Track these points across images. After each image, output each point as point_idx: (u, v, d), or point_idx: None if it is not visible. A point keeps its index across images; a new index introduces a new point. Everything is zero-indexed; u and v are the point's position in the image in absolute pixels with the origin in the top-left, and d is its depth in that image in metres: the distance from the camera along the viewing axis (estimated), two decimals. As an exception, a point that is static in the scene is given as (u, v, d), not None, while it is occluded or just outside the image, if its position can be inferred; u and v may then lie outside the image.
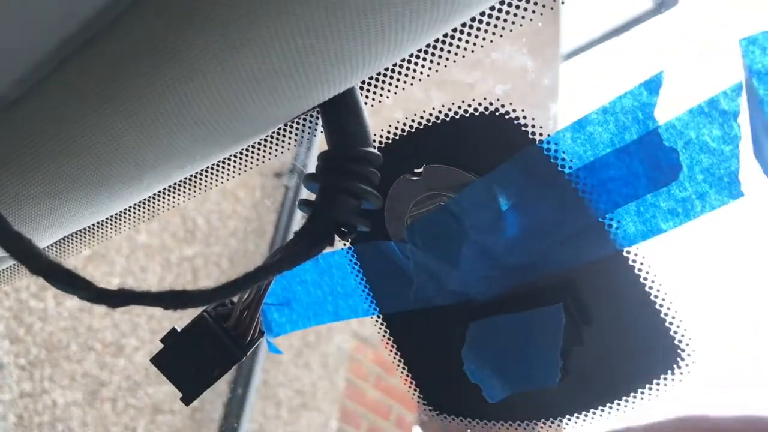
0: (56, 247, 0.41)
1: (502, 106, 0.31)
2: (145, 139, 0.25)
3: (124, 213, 0.41)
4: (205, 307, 0.30)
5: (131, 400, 1.68)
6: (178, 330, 0.29)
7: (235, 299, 0.30)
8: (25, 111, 0.25)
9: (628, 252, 0.31)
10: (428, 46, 0.30)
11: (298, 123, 0.33)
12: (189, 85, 0.23)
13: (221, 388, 1.69)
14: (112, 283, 1.64)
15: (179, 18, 0.21)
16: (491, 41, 0.29)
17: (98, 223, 0.41)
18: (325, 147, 0.30)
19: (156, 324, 1.63)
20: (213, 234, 1.90)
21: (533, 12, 0.28)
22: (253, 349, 0.31)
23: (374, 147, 0.30)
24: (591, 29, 2.52)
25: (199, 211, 1.88)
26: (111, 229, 0.43)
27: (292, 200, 1.99)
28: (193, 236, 1.86)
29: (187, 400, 0.32)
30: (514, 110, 0.31)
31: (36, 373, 1.55)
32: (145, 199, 0.39)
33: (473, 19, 0.28)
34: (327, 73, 0.24)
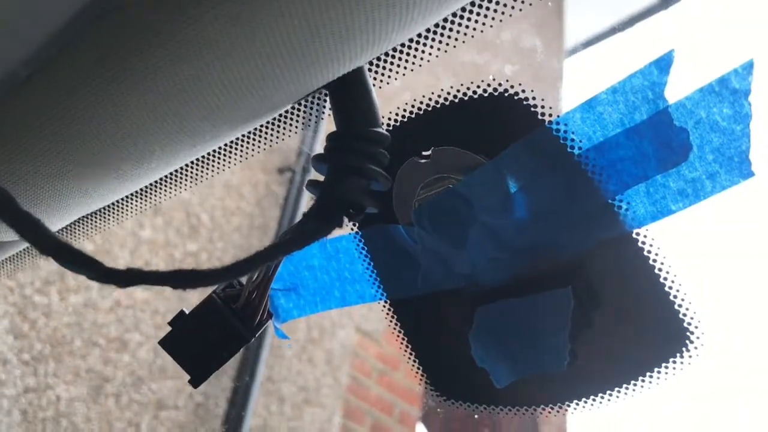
0: (65, 233, 0.41)
1: (512, 87, 0.31)
2: (153, 118, 0.25)
3: (132, 197, 0.41)
4: (214, 288, 0.30)
5: (135, 396, 1.68)
6: (187, 312, 0.29)
7: (244, 281, 0.30)
8: (36, 89, 0.25)
9: (638, 234, 0.31)
10: (436, 26, 0.29)
11: (303, 106, 0.33)
12: (198, 62, 0.23)
13: (225, 383, 1.69)
14: (116, 278, 1.63)
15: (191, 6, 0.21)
16: (500, 21, 0.29)
17: (105, 208, 0.41)
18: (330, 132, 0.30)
19: (160, 319, 1.63)
20: (217, 230, 1.90)
21: (542, -8, 0.28)
22: (261, 330, 0.31)
23: (383, 128, 0.30)
24: (595, 25, 2.52)
25: (203, 207, 1.88)
26: (120, 214, 0.43)
27: (295, 196, 1.99)
28: (197, 232, 1.86)
29: (195, 382, 0.32)
30: (523, 91, 0.31)
31: (40, 368, 1.55)
32: (151, 184, 0.39)
33: None
34: (336, 50, 0.24)
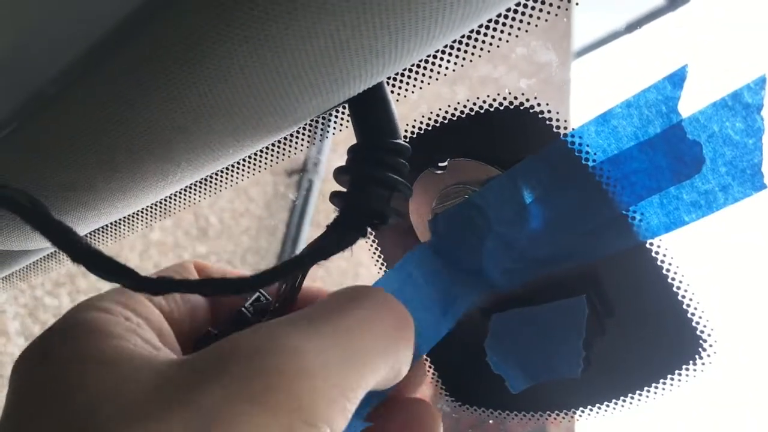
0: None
1: (527, 100, 0.32)
2: (180, 134, 0.25)
3: (148, 208, 0.42)
4: (243, 304, 0.30)
5: (145, 397, 1.69)
6: (214, 332, 0.29)
7: (270, 297, 0.31)
8: (67, 105, 0.25)
9: (651, 244, 0.32)
10: (454, 41, 0.30)
11: (322, 118, 0.34)
12: (225, 82, 0.23)
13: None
14: (126, 280, 1.64)
15: (216, 16, 0.22)
16: (516, 36, 0.30)
17: (124, 218, 0.42)
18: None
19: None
20: (225, 232, 1.91)
21: (558, 8, 0.29)
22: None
23: (403, 140, 0.31)
24: (603, 26, 2.52)
25: (211, 209, 1.89)
26: (137, 223, 0.43)
27: (303, 198, 2.00)
28: (206, 234, 1.87)
29: None
30: (538, 104, 0.31)
31: (51, 369, 1.56)
32: (168, 196, 0.40)
33: (498, 15, 0.29)
34: (360, 69, 0.25)
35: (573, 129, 0.31)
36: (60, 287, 1.61)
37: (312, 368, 0.21)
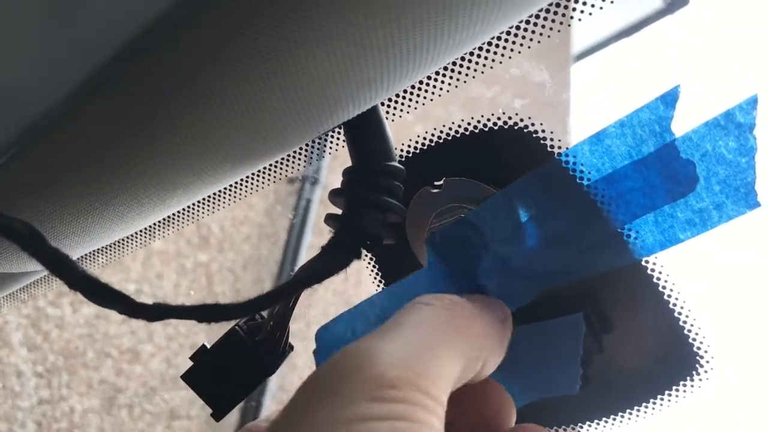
0: (82, 261, 0.42)
1: (521, 120, 0.32)
2: (177, 161, 0.26)
3: (150, 228, 0.42)
4: (236, 321, 0.30)
5: (148, 406, 1.69)
6: (208, 346, 0.29)
7: (265, 313, 0.31)
8: (66, 134, 0.26)
9: (647, 261, 0.32)
10: (448, 63, 0.30)
11: (318, 140, 0.34)
12: (219, 111, 0.23)
13: (237, 393, 1.70)
14: (129, 289, 1.65)
15: (215, 57, 0.22)
16: (509, 57, 0.30)
17: (125, 238, 0.42)
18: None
19: (172, 329, 1.65)
20: (227, 240, 1.91)
21: (551, 29, 0.29)
22: (282, 363, 0.32)
23: (397, 161, 0.31)
24: (601, 30, 2.52)
25: (212, 218, 1.89)
26: (132, 245, 0.44)
27: (304, 206, 2.00)
28: (207, 242, 1.87)
29: (217, 415, 0.32)
30: (532, 124, 0.31)
31: (54, 380, 1.56)
32: (169, 216, 0.40)
33: (493, 38, 0.29)
34: (356, 94, 0.25)
35: (567, 148, 0.31)
36: (62, 297, 1.61)
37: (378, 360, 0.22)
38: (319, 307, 1.96)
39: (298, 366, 1.87)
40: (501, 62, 0.30)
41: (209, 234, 1.89)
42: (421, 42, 0.23)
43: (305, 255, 1.95)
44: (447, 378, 0.24)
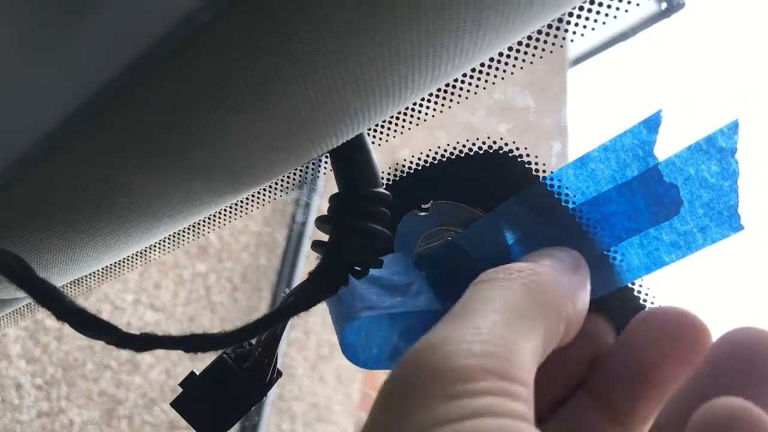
0: (70, 286, 0.43)
1: (506, 144, 0.32)
2: (162, 194, 0.26)
3: (135, 255, 0.42)
4: (223, 350, 0.31)
5: (147, 417, 1.69)
6: (197, 373, 0.30)
7: (253, 340, 0.31)
8: (51, 168, 0.26)
9: (633, 283, 0.32)
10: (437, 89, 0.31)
11: (305, 167, 0.34)
12: (202, 149, 0.24)
13: (236, 403, 1.70)
14: (127, 300, 1.65)
15: (209, 94, 0.22)
16: (493, 83, 0.30)
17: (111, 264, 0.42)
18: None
19: (171, 341, 1.65)
20: (225, 250, 1.91)
21: (543, 51, 0.29)
22: (271, 389, 0.32)
23: (383, 187, 0.31)
24: (597, 34, 2.53)
25: (210, 228, 1.90)
26: (123, 268, 0.44)
27: (302, 215, 2.00)
28: (206, 252, 1.87)
29: None
30: (517, 148, 0.32)
31: (53, 392, 1.56)
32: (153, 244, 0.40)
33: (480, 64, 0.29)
34: (341, 126, 0.25)
35: (552, 172, 0.31)
36: (61, 309, 1.61)
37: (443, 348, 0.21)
38: (317, 315, 1.96)
39: (297, 375, 1.87)
40: (485, 88, 0.30)
41: (207, 244, 1.89)
42: (406, 74, 0.23)
43: (304, 263, 1.96)
44: (529, 353, 0.22)
